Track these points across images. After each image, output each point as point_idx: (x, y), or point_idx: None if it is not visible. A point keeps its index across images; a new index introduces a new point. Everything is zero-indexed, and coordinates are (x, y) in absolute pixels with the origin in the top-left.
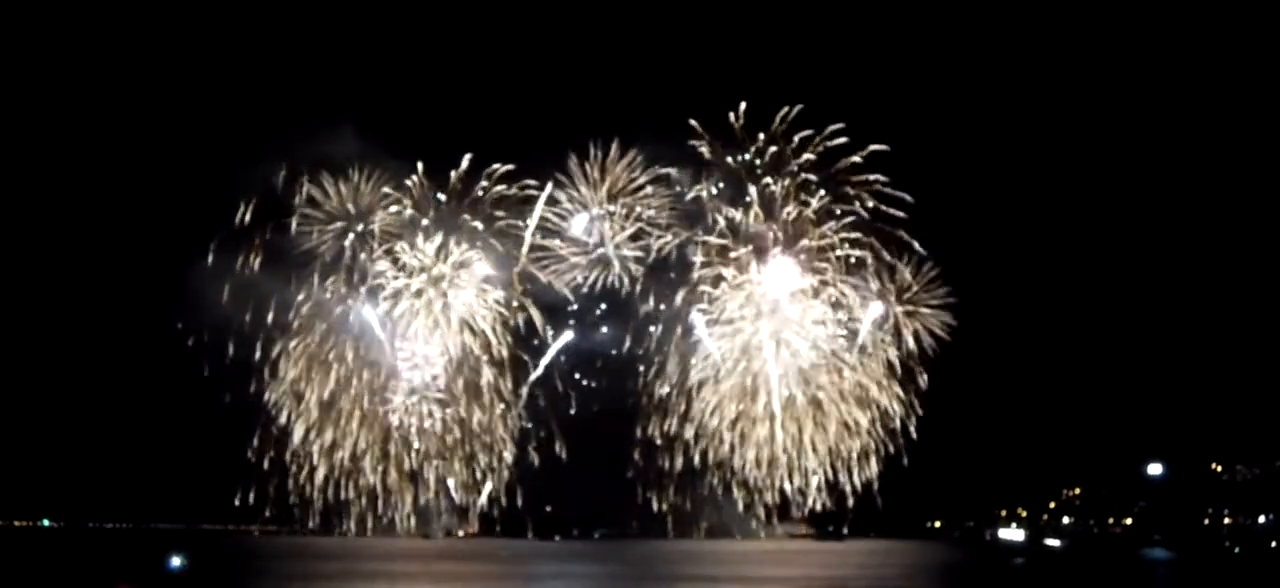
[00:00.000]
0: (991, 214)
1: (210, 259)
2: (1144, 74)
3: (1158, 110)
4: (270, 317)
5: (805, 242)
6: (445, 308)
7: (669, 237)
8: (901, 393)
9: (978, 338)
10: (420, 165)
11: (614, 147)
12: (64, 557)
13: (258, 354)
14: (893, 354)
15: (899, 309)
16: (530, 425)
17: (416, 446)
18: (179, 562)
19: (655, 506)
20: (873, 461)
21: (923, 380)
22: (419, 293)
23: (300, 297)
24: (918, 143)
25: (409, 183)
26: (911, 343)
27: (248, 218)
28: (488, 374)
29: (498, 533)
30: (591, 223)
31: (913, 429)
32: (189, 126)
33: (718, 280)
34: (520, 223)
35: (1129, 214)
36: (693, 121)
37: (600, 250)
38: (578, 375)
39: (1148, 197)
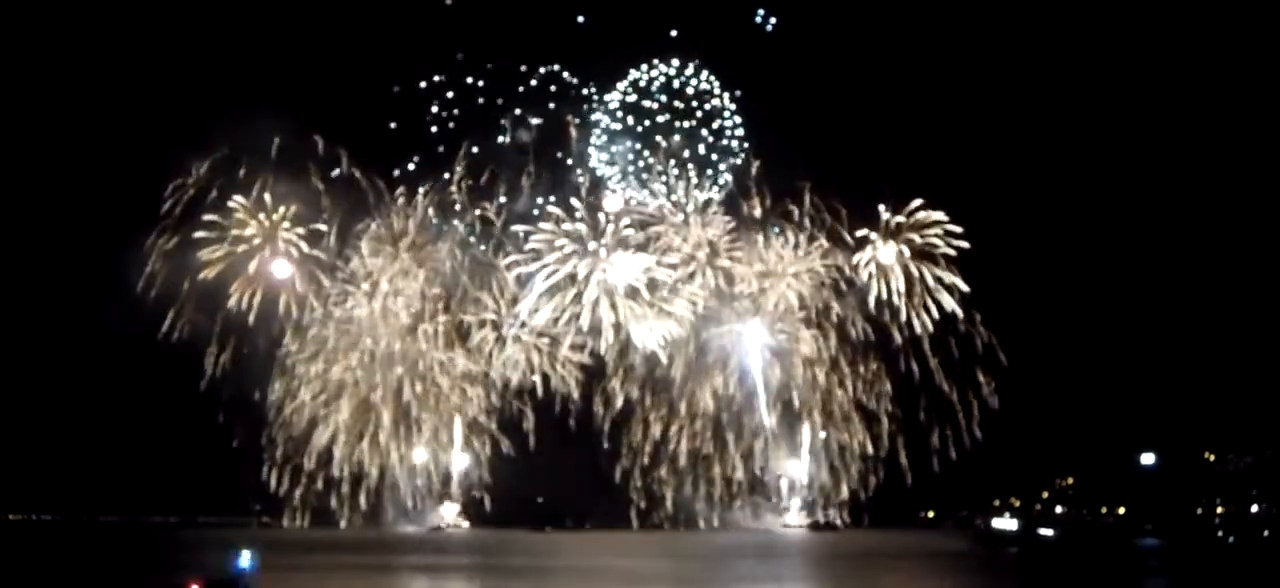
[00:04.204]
0: (989, 209)
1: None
2: (1142, 80)
3: (1154, 111)
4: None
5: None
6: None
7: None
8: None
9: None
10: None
11: None
12: (126, 553)
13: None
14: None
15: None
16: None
17: (414, 440)
18: (249, 559)
19: (648, 497)
20: (868, 453)
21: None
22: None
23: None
24: (913, 142)
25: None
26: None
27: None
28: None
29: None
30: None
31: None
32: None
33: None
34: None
35: (1123, 208)
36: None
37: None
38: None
39: (1141, 191)
